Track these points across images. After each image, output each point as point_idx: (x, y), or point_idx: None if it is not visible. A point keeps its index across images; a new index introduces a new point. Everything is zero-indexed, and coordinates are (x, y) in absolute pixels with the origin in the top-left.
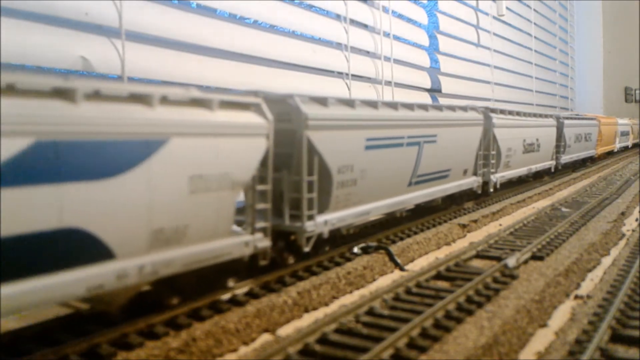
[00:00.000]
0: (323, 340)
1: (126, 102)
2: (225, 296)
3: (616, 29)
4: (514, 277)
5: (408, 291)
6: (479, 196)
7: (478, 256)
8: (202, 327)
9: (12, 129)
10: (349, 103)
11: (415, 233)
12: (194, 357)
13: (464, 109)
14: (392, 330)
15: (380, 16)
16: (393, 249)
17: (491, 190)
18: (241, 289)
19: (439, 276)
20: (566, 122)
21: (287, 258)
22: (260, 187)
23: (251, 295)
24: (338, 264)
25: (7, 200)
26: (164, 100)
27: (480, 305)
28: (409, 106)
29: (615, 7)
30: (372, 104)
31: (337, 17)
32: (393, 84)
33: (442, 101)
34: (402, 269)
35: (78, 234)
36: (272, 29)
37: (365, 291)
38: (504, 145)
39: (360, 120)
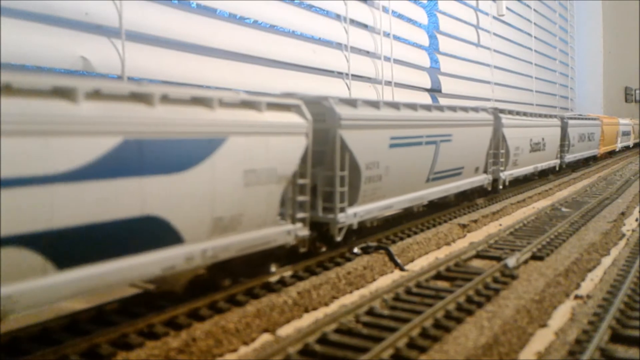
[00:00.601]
0: (323, 340)
1: (191, 105)
2: (274, 278)
3: (616, 29)
4: (514, 277)
5: (408, 291)
6: (488, 193)
7: (478, 256)
8: (202, 327)
9: (105, 129)
10: (375, 104)
11: (415, 233)
12: (194, 357)
13: (476, 109)
14: (392, 330)
15: (380, 16)
16: (393, 249)
17: (500, 187)
18: (283, 273)
19: (439, 276)
20: (570, 122)
21: (320, 247)
22: (300, 181)
23: (251, 295)
24: (338, 264)
25: (102, 191)
26: (222, 103)
27: (480, 305)
28: (427, 107)
29: (615, 7)
30: (395, 105)
31: (337, 17)
32: (393, 84)
33: (442, 101)
34: (402, 269)
35: (156, 221)
36: (272, 29)
37: (365, 291)
38: (512, 145)
39: (385, 121)
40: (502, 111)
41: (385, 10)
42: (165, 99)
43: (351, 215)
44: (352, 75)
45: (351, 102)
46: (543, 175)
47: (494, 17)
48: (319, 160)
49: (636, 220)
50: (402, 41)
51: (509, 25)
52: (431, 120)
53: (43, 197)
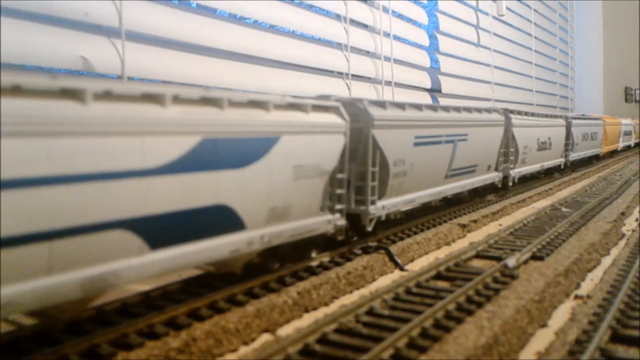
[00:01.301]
0: (323, 340)
1: (251, 108)
2: (315, 263)
3: (616, 29)
4: (514, 277)
5: (408, 291)
6: (499, 190)
7: (478, 256)
8: (202, 327)
9: (187, 130)
10: (401, 106)
11: (415, 233)
12: (194, 357)
13: (488, 110)
14: (392, 330)
15: (380, 16)
16: (393, 249)
17: (510, 184)
18: (322, 259)
19: (439, 276)
20: (574, 122)
21: (352, 236)
22: (339, 176)
23: (251, 295)
24: (338, 264)
25: (185, 183)
26: (276, 105)
27: (480, 305)
28: (446, 108)
29: (615, 7)
30: (418, 107)
31: (337, 17)
32: (393, 84)
33: (442, 101)
34: (402, 269)
35: (225, 209)
36: (272, 29)
37: (365, 291)
38: (521, 144)
39: (410, 121)
40: (512, 112)
41: (385, 10)
42: (231, 103)
43: (380, 207)
44: (352, 75)
45: (381, 104)
46: (549, 173)
47: (494, 17)
48: (352, 157)
49: (636, 220)
50: (402, 41)
51: (509, 25)
52: (450, 120)
53: (141, 188)
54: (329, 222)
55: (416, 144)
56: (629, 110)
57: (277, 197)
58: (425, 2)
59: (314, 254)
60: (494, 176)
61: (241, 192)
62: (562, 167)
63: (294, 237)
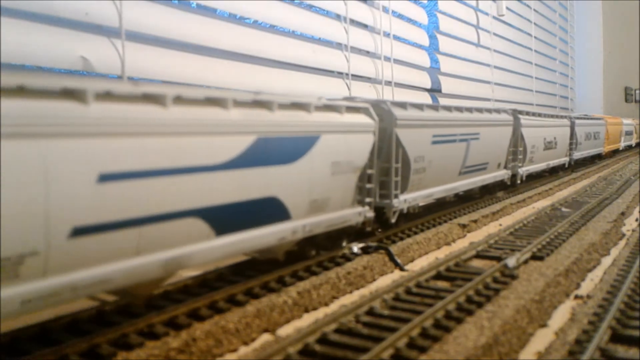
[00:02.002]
0: (323, 340)
1: (295, 109)
2: (345, 250)
3: (616, 29)
4: (514, 277)
5: (408, 291)
6: (508, 187)
7: (478, 256)
8: (202, 327)
9: (245, 130)
10: (419, 107)
11: (415, 233)
12: (194, 357)
13: (498, 111)
14: (392, 330)
15: (380, 16)
16: (393, 249)
17: (518, 182)
18: (352, 247)
19: (439, 276)
20: (577, 122)
21: (376, 228)
22: (369, 171)
23: (251, 295)
24: (338, 264)
25: (243, 177)
26: (316, 107)
27: (480, 305)
28: (459, 109)
29: (615, 7)
30: (434, 108)
31: (337, 17)
32: (393, 84)
33: (442, 101)
34: (402, 269)
35: (274, 201)
36: (272, 29)
37: (365, 291)
38: (529, 143)
39: (428, 121)
40: (520, 112)
41: (385, 10)
42: (280, 105)
43: (402, 201)
44: (352, 75)
45: (402, 105)
46: (553, 172)
47: (494, 17)
48: (378, 154)
49: (636, 220)
50: (402, 41)
51: (509, 25)
52: (464, 120)
53: (209, 181)
54: (360, 214)
55: (434, 142)
56: (629, 110)
57: (317, 190)
58: (425, 2)
59: (344, 243)
60: (503, 174)
61: (288, 186)
62: (567, 165)
63: (330, 227)
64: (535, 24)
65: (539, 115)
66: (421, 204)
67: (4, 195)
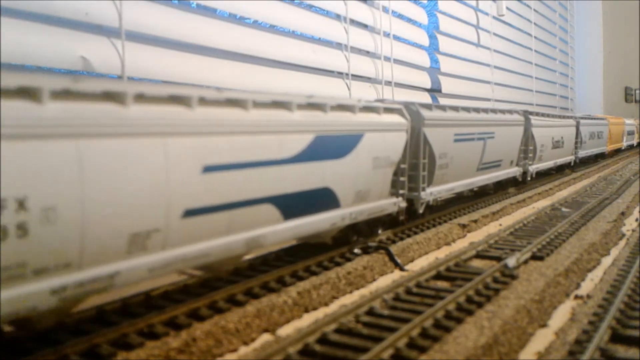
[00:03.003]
0: (323, 340)
1: (343, 111)
2: (381, 237)
3: (616, 29)
4: (514, 277)
5: (408, 291)
6: (519, 183)
7: (478, 256)
8: (202, 327)
9: (306, 129)
10: (442, 108)
11: (415, 233)
12: (194, 357)
13: (510, 112)
14: (392, 330)
15: (380, 16)
16: (393, 249)
17: (528, 178)
18: (385, 235)
19: (439, 276)
20: (582, 121)
21: (406, 218)
22: (402, 166)
23: (251, 295)
24: (338, 264)
25: (304, 170)
26: (360, 108)
27: (480, 305)
28: (476, 110)
29: (615, 7)
30: (455, 109)
31: (337, 17)
32: (393, 84)
33: (442, 101)
34: (402, 269)
35: (328, 191)
36: (272, 29)
37: (365, 291)
38: (539, 142)
39: (450, 121)
40: (531, 113)
41: (385, 10)
42: (332, 107)
43: (429, 193)
44: (352, 75)
45: (428, 106)
46: (560, 170)
47: (494, 17)
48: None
49: (636, 220)
50: (402, 41)
51: (509, 25)
52: (481, 120)
53: (279, 173)
54: (394, 204)
55: (455, 141)
56: (629, 110)
57: (361, 182)
58: (425, 2)
59: (380, 231)
60: (515, 171)
61: (338, 178)
62: (572, 164)
63: (371, 215)
64: (535, 24)
65: (548, 115)
66: (444, 197)
67: (139, 182)
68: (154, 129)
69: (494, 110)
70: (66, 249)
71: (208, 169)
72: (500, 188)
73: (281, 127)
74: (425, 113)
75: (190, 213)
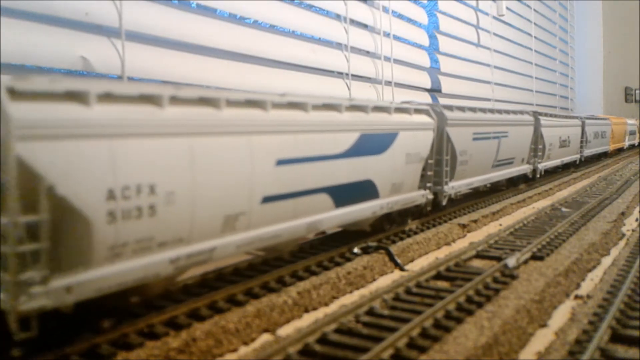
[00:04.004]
0: (323, 340)
1: (381, 112)
2: (410, 226)
3: (616, 29)
4: (514, 277)
5: (408, 291)
6: (529, 180)
7: (478, 256)
8: (202, 327)
9: (353, 128)
10: (461, 109)
11: (415, 233)
12: (194, 357)
13: (521, 112)
14: (392, 330)
15: (380, 16)
16: (393, 249)
17: (538, 176)
18: (413, 224)
19: (439, 276)
20: (587, 121)
21: (431, 210)
22: (429, 161)
23: (251, 295)
24: (338, 264)
25: (351, 164)
26: (395, 109)
27: (480, 305)
28: (491, 110)
29: (615, 7)
30: (473, 110)
31: (337, 17)
32: (393, 84)
33: (442, 101)
34: (402, 269)
35: (370, 183)
36: (272, 29)
37: (365, 291)
38: (548, 141)
39: (470, 121)
40: (540, 114)
41: (385, 10)
42: (372, 108)
43: (451, 187)
44: (352, 75)
45: (449, 108)
46: (566, 168)
47: (494, 17)
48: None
49: (636, 220)
50: (402, 41)
51: (509, 25)
52: (496, 120)
53: (332, 166)
54: (423, 196)
55: (474, 139)
56: (629, 110)
57: (396, 175)
58: (425, 2)
59: (409, 221)
60: (525, 168)
61: (378, 171)
62: (578, 162)
63: (403, 206)
64: (535, 24)
65: (556, 116)
66: (463, 191)
67: (231, 172)
68: (241, 129)
69: (507, 111)
70: (180, 226)
71: (280, 162)
72: (512, 184)
73: (334, 127)
74: (448, 114)
75: (267, 199)
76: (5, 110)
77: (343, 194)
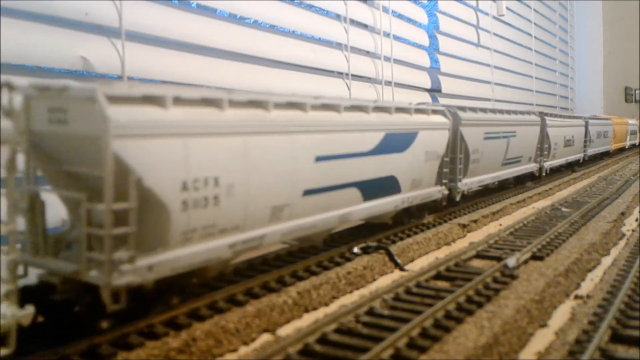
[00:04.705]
0: (323, 340)
1: (402, 113)
2: (428, 220)
3: (616, 29)
4: (514, 277)
5: (408, 291)
6: (535, 178)
7: (478, 256)
8: (202, 327)
9: (379, 128)
10: (473, 110)
11: (415, 233)
12: (194, 357)
13: (528, 113)
14: (392, 330)
15: (380, 16)
16: (393, 249)
17: (544, 174)
18: (430, 218)
19: (439, 276)
20: (590, 121)
21: (446, 205)
22: (445, 159)
23: (251, 295)
24: (338, 264)
25: (378, 161)
26: (415, 110)
27: (480, 305)
28: (501, 111)
29: (615, 7)
30: (484, 110)
31: (337, 17)
32: (393, 84)
33: (442, 101)
34: (402, 269)
35: (393, 179)
36: (272, 29)
37: (365, 291)
38: (553, 141)
39: (481, 121)
40: (546, 114)
41: (385, 10)
42: (395, 109)
43: (464, 184)
44: (352, 75)
45: (462, 108)
46: (570, 166)
47: (494, 17)
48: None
49: (636, 220)
50: (402, 41)
51: (509, 25)
52: (506, 121)
53: (361, 163)
54: (439, 191)
55: (485, 138)
56: (629, 110)
57: (416, 172)
58: (425, 2)
59: (426, 215)
60: (532, 166)
61: (400, 168)
62: (581, 161)
63: (423, 200)
64: (535, 24)
65: (561, 116)
66: (474, 188)
67: (278, 167)
68: (285, 128)
69: (515, 112)
70: (237, 215)
71: (318, 158)
72: (519, 182)
73: (362, 127)
74: (462, 114)
75: (307, 192)
76: (104, 113)
77: (370, 189)
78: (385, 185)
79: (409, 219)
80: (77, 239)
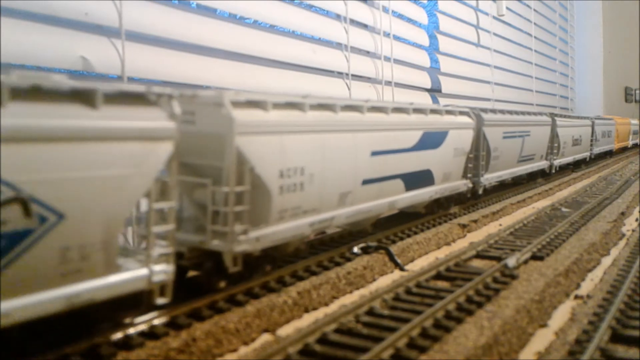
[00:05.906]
0: (323, 340)
1: (434, 114)
2: (454, 210)
3: (616, 29)
4: (514, 277)
5: (408, 291)
6: (546, 175)
7: (478, 256)
8: (202, 327)
9: (418, 127)
10: (493, 111)
11: (415, 233)
12: (194, 357)
13: (540, 114)
14: (392, 330)
15: (380, 16)
16: (393, 249)
17: (553, 171)
18: (456, 209)
19: (439, 276)
20: (596, 121)
21: (469, 197)
22: (470, 156)
23: (251, 295)
24: (338, 264)
25: (417, 156)
26: (445, 112)
27: (480, 305)
28: (516, 112)
29: (615, 7)
30: (502, 112)
31: (337, 17)
32: (393, 84)
33: (442, 101)
34: (402, 269)
35: (429, 172)
36: (272, 29)
37: (365, 291)
38: (562, 140)
39: (500, 121)
40: (556, 115)
41: (385, 10)
42: (429, 110)
43: (485, 179)
44: (352, 75)
45: (484, 110)
46: (577, 165)
47: (494, 17)
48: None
49: (636, 220)
50: (402, 41)
51: (509, 25)
52: (521, 121)
53: (404, 158)
54: (465, 184)
55: (504, 137)
56: (629, 110)
57: (447, 166)
58: (425, 2)
59: (452, 205)
60: (543, 164)
61: (434, 162)
62: (588, 159)
63: (452, 192)
64: (535, 24)
65: (569, 117)
66: (494, 183)
67: (344, 160)
68: (349, 127)
69: (529, 113)
70: (315, 199)
71: (373, 153)
72: (532, 178)
73: (405, 126)
74: (484, 115)
75: (365, 182)
76: (230, 115)
77: (411, 180)
78: (423, 178)
79: (438, 209)
80: (189, 217)
